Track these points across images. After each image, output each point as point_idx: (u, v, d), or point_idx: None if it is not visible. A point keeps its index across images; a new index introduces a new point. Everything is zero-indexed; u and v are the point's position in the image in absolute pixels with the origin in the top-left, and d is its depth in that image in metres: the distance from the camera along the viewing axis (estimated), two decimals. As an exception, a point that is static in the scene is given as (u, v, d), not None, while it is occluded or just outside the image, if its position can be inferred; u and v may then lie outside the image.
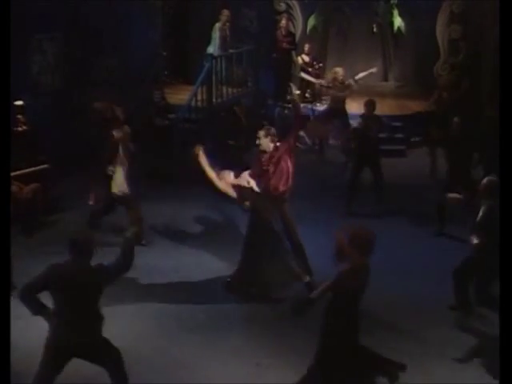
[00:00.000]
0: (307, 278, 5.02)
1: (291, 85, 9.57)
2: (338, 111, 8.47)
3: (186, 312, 4.91)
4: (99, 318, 3.52)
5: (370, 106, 7.11)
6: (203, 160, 5.09)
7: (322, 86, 9.21)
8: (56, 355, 3.46)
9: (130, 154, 5.84)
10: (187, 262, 5.71)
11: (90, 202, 6.13)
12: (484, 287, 4.68)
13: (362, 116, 7.17)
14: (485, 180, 4.70)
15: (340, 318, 3.56)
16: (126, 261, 3.55)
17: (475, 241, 4.61)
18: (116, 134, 5.76)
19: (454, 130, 6.41)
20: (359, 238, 3.58)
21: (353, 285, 3.54)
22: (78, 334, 3.41)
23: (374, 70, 8.88)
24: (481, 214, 4.59)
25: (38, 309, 3.46)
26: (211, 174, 5.11)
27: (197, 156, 5.10)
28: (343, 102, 8.56)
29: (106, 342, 3.58)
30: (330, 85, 8.70)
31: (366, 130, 6.98)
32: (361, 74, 8.72)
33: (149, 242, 6.01)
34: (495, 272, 4.52)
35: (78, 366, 3.69)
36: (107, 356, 3.57)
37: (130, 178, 5.84)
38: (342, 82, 8.53)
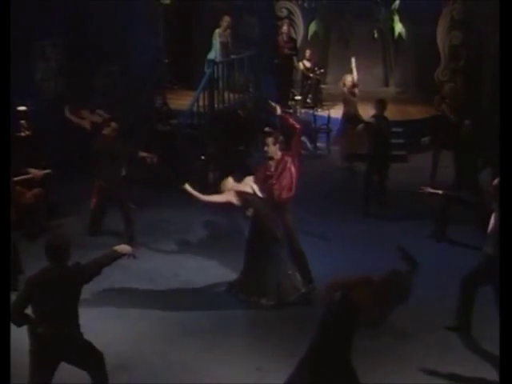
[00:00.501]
0: (303, 289, 5.03)
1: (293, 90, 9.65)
2: (352, 116, 8.44)
3: (187, 316, 4.92)
4: (77, 320, 3.57)
5: (380, 105, 7.09)
6: (193, 192, 5.15)
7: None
8: (43, 361, 3.50)
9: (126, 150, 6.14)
10: (189, 267, 5.72)
11: (91, 206, 6.20)
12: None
13: (373, 116, 7.13)
14: (496, 181, 4.39)
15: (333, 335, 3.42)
16: (101, 268, 3.62)
17: (488, 250, 4.38)
18: (105, 131, 6.07)
19: (465, 133, 6.30)
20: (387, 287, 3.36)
21: (360, 300, 3.33)
22: (62, 337, 3.45)
23: (353, 58, 8.79)
24: (493, 220, 4.32)
25: (24, 322, 3.52)
26: (205, 198, 5.19)
27: (185, 191, 5.14)
28: (355, 108, 8.56)
29: (89, 343, 3.61)
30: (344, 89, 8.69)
31: (379, 129, 6.95)
32: (355, 73, 8.69)
33: (144, 248, 6.06)
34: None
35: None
36: (91, 357, 3.60)
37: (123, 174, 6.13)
38: (352, 88, 8.55)
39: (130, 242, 5.99)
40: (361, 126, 7.25)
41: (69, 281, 3.46)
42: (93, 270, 3.58)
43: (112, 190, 6.06)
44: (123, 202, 6.10)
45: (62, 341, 3.47)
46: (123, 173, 6.14)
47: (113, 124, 6.09)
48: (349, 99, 8.56)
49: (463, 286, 4.62)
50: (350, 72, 8.77)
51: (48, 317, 3.43)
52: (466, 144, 6.31)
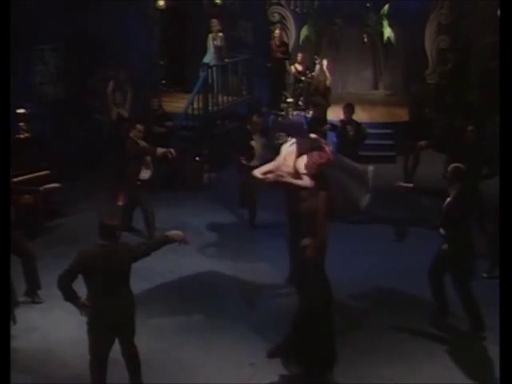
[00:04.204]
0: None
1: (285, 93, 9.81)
2: (320, 120, 8.46)
3: (182, 313, 5.02)
4: (130, 298, 3.79)
5: (348, 110, 7.20)
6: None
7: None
8: (98, 334, 3.71)
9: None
10: (184, 264, 5.85)
11: (120, 203, 6.36)
12: (461, 286, 4.69)
13: (341, 120, 7.29)
14: (451, 166, 4.81)
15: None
16: (151, 251, 3.85)
17: (442, 231, 4.69)
18: (131, 134, 6.19)
19: (468, 138, 6.40)
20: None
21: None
22: (113, 312, 3.68)
23: (324, 60, 8.75)
24: (449, 199, 4.68)
25: (70, 295, 3.70)
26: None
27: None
28: (325, 112, 8.57)
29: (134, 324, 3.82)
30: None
31: (345, 133, 7.10)
32: (327, 75, 8.63)
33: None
34: (469, 266, 4.62)
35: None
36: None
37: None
38: (325, 91, 8.61)
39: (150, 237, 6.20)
40: (326, 126, 7.34)
41: (117, 257, 3.67)
42: (142, 251, 3.78)
43: (135, 190, 6.22)
44: (144, 202, 6.26)
45: (114, 314, 3.68)
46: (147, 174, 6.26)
47: (138, 126, 6.19)
48: (319, 103, 8.59)
49: (428, 278, 4.87)
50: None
51: (100, 291, 3.66)
52: (470, 148, 6.37)
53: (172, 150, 6.27)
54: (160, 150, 6.25)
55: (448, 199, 4.70)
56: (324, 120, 8.53)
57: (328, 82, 9.08)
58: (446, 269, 4.78)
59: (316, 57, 9.87)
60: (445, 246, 4.75)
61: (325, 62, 9.29)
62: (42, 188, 5.29)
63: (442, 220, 4.73)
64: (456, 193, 4.67)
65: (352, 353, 4.42)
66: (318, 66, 9.63)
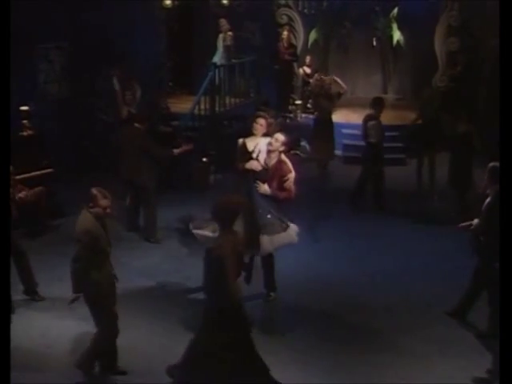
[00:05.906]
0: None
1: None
2: (323, 121, 8.34)
3: (187, 312, 4.94)
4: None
5: (377, 104, 6.92)
6: None
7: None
8: (103, 305, 3.86)
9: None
10: (189, 263, 5.77)
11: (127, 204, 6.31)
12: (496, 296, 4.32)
13: (368, 115, 7.03)
14: (488, 166, 4.51)
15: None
16: None
17: (481, 238, 4.44)
18: (137, 125, 6.16)
19: (477, 141, 6.38)
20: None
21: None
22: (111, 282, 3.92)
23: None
24: (488, 199, 4.41)
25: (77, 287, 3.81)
26: None
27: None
28: (329, 113, 8.39)
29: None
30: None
31: (380, 129, 6.89)
32: (340, 82, 8.61)
33: (157, 241, 6.25)
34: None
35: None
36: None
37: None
38: (329, 91, 8.43)
39: (148, 240, 6.15)
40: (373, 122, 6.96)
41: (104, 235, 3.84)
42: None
43: (139, 186, 6.13)
44: (149, 200, 6.18)
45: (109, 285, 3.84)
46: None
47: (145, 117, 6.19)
48: (322, 106, 8.44)
49: (474, 276, 4.65)
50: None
51: (97, 261, 3.81)
52: (465, 146, 6.40)
53: (191, 145, 6.39)
54: (176, 151, 6.33)
55: (487, 200, 4.41)
56: (329, 122, 8.43)
57: (342, 91, 8.88)
58: (486, 282, 4.51)
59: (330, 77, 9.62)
60: (484, 257, 4.47)
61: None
62: (17, 197, 5.26)
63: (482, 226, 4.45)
64: (494, 195, 4.37)
65: (362, 352, 4.34)
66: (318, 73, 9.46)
